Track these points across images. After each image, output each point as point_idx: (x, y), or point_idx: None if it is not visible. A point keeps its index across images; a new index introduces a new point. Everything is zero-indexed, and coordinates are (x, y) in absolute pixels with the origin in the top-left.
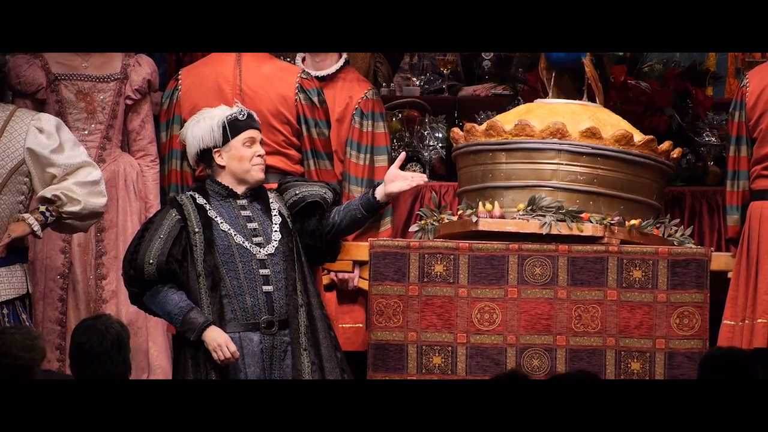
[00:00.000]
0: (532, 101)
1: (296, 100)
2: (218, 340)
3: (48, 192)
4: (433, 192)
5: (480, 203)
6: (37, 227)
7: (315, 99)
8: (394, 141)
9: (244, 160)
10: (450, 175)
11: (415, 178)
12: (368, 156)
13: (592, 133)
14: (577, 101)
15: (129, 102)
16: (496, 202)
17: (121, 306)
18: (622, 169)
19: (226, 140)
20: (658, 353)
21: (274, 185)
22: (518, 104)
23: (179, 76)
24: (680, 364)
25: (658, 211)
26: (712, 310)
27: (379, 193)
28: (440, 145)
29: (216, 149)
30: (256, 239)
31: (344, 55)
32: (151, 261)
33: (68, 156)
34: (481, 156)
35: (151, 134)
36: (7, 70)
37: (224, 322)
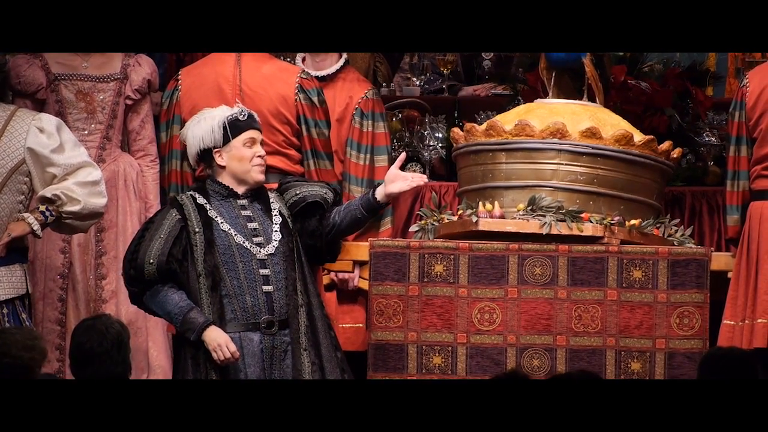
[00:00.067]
0: (532, 101)
1: (296, 100)
2: (218, 340)
3: (48, 191)
4: (433, 192)
5: (480, 203)
6: (36, 227)
7: (315, 99)
8: (394, 141)
9: (244, 160)
10: (450, 175)
11: (416, 178)
12: (368, 156)
13: (592, 133)
14: (577, 101)
15: (129, 102)
16: (496, 202)
17: (120, 306)
18: (622, 169)
19: (226, 140)
20: (658, 353)
21: (275, 185)
22: (518, 104)
23: (179, 77)
24: (680, 364)
25: (658, 211)
26: (712, 310)
27: (380, 193)
28: (440, 145)
29: (216, 149)
30: (256, 239)
31: (344, 55)
32: (151, 261)
33: (68, 156)
34: (481, 156)
35: (151, 134)
36: (7, 69)
37: (224, 322)
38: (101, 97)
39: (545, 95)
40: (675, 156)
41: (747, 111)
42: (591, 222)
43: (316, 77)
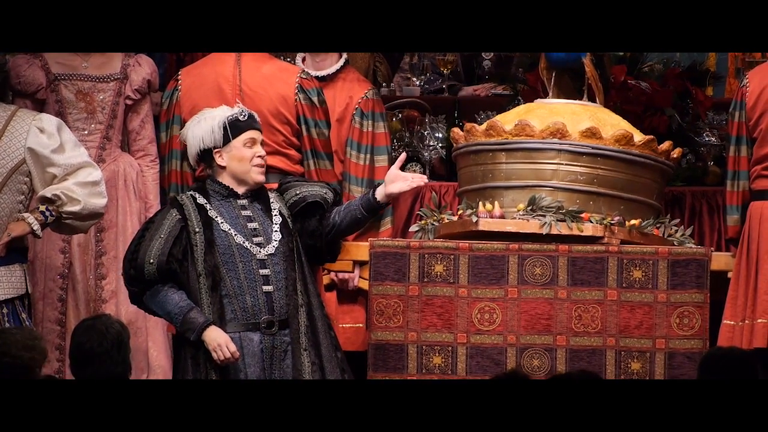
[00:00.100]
0: (532, 101)
1: (296, 100)
2: (218, 340)
3: (48, 191)
4: (433, 192)
5: (480, 203)
6: (36, 227)
7: (315, 99)
8: (394, 141)
9: (244, 160)
10: (450, 175)
11: (416, 178)
12: (368, 156)
13: (592, 133)
14: (577, 101)
15: (129, 102)
16: (496, 202)
17: (120, 306)
18: (622, 169)
19: (226, 141)
20: (658, 353)
21: (275, 185)
22: (518, 104)
23: (179, 77)
24: (680, 364)
25: (658, 211)
26: (712, 310)
27: (380, 193)
28: (440, 145)
29: (217, 149)
30: (256, 239)
31: (344, 55)
32: (151, 260)
33: (69, 156)
34: (481, 156)
35: (151, 134)
36: (8, 69)
37: (224, 322)
38: (101, 97)
39: (545, 95)
40: (675, 156)
41: (747, 111)
42: (591, 222)
43: (316, 77)
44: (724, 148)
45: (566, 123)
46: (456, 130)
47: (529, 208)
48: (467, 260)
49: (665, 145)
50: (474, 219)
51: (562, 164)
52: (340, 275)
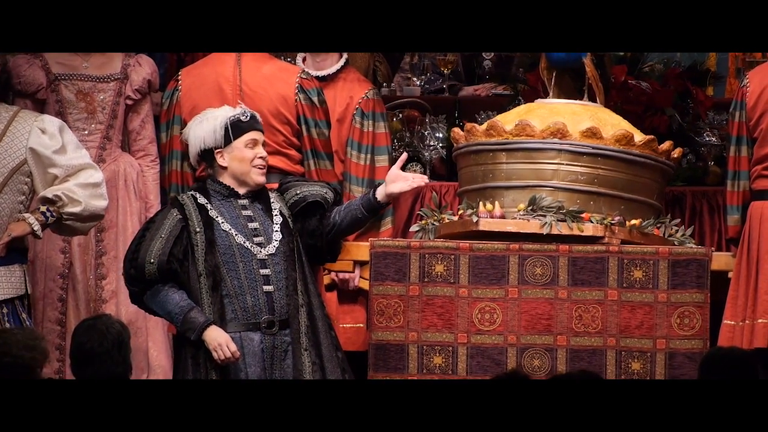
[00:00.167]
0: (532, 101)
1: (296, 100)
2: (218, 340)
3: (49, 192)
4: (434, 192)
5: (480, 203)
6: (37, 227)
7: (315, 99)
8: (395, 141)
9: (245, 161)
10: (450, 175)
11: (416, 179)
12: (369, 156)
13: (592, 133)
14: (577, 101)
15: (129, 102)
16: (496, 202)
17: (121, 306)
18: (623, 169)
19: (228, 141)
20: (658, 353)
21: (275, 185)
22: (519, 104)
23: (179, 77)
24: (681, 364)
25: (658, 211)
26: (712, 310)
27: (380, 193)
28: (441, 145)
29: (218, 150)
30: (257, 239)
31: (345, 55)
32: (152, 260)
33: (70, 157)
34: (481, 156)
35: (152, 134)
36: (8, 70)
37: (225, 322)
38: (101, 97)
39: (546, 95)
40: (675, 156)
41: (747, 111)
42: (591, 222)
43: (317, 77)
44: (725, 148)
45: (567, 123)
46: (456, 130)
47: (530, 208)
48: (468, 260)
49: (666, 145)
50: (474, 219)
51: (563, 164)
52: (341, 275)
